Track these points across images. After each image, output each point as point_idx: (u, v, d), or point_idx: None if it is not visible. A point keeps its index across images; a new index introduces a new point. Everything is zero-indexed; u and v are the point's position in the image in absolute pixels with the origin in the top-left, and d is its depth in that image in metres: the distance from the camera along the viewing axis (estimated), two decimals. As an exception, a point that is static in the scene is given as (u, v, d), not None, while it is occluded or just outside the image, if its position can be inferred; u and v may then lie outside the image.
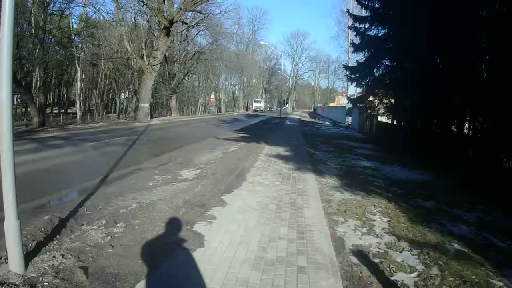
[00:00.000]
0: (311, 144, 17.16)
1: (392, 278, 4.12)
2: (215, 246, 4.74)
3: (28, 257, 4.12)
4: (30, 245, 4.53)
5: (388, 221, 6.00)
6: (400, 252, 4.81)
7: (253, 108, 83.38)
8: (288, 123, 38.34)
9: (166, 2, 34.47)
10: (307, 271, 4.09)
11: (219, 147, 15.04)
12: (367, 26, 16.71)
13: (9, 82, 3.63)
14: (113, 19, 39.95)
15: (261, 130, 26.55)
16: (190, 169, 10.09)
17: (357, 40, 17.68)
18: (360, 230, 5.54)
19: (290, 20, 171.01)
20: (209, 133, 22.31)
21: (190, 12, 37.90)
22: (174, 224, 5.45)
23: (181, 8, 33.15)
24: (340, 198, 7.42)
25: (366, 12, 17.04)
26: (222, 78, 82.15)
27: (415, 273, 4.24)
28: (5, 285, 3.60)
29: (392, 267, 4.35)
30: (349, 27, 21.21)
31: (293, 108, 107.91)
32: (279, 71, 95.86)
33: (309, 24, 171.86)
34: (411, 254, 4.75)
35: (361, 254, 4.70)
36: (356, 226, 5.73)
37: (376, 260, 4.54)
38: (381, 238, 5.25)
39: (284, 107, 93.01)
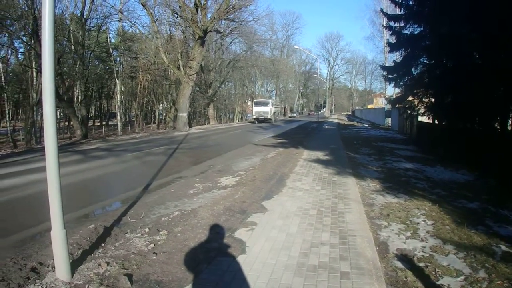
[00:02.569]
0: (350, 147, 16.94)
1: (438, 283, 4.00)
2: (257, 252, 4.72)
3: (74, 265, 4.23)
4: (76, 253, 4.66)
5: (432, 224, 5.85)
6: (446, 255, 4.67)
7: (254, 116, 52.16)
8: (326, 127, 38.03)
9: (199, 12, 34.90)
10: (351, 277, 4.01)
11: (257, 153, 15.05)
12: (402, 24, 16.47)
13: (52, 97, 3.76)
14: (149, 32, 41.07)
15: (299, 135, 26.42)
16: (230, 176, 10.13)
17: (392, 40, 17.42)
18: (404, 234, 5.42)
19: (323, 23, 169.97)
20: (247, 140, 22.41)
21: (224, 21, 38.23)
22: (215, 231, 5.47)
23: (214, 18, 33.48)
24: (383, 202, 7.28)
25: (400, 10, 16.80)
26: (258, 85, 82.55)
27: (462, 277, 4.11)
28: (53, 292, 3.69)
29: (437, 271, 4.22)
30: (384, 27, 20.96)
31: (330, 112, 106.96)
32: (315, 75, 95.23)
33: (343, 25, 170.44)
34: (457, 257, 4.61)
35: (405, 259, 4.59)
36: (399, 229, 5.61)
37: (421, 264, 4.43)
38: (426, 242, 5.12)
39: (321, 111, 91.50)
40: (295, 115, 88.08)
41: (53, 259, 4.12)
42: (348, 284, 3.86)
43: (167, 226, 5.77)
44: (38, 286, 3.86)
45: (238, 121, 66.27)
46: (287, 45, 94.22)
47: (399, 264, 4.42)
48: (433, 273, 4.20)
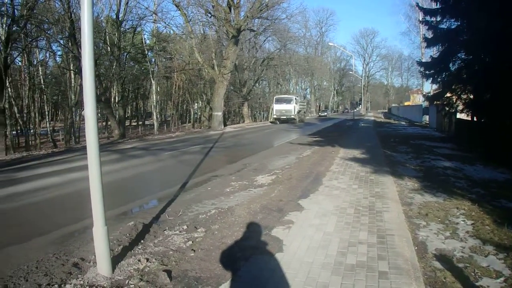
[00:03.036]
0: (387, 145, 16.70)
1: (477, 284, 3.91)
2: (294, 250, 4.72)
3: (115, 261, 4.36)
4: (116, 249, 4.81)
5: (472, 224, 5.72)
6: (485, 256, 4.56)
7: (274, 115, 45.76)
8: (362, 124, 37.60)
9: (232, 11, 35.11)
10: (389, 277, 3.97)
11: (293, 152, 15.04)
12: (438, 19, 16.15)
13: (93, 99, 3.89)
14: (183, 32, 41.61)
15: (335, 133, 26.26)
16: (266, 175, 10.18)
17: (429, 35, 17.11)
18: (443, 234, 5.32)
19: (357, 19, 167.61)
20: (282, 138, 22.42)
21: (257, 19, 38.35)
22: (252, 229, 5.51)
23: (247, 16, 33.66)
24: (421, 201, 7.15)
25: (436, 5, 16.42)
26: (293, 83, 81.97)
27: (502, 278, 4.00)
28: (94, 287, 3.84)
29: (477, 272, 4.13)
30: (419, 21, 20.68)
31: (366, 109, 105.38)
32: (350, 72, 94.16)
33: (377, 21, 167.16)
34: (497, 258, 4.49)
35: (444, 259, 4.51)
36: (438, 229, 5.50)
37: (460, 265, 4.34)
38: (465, 242, 5.01)
39: (357, 109, 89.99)
40: (326, 113, 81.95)
41: (94, 255, 4.28)
42: (386, 284, 3.82)
43: (204, 224, 5.86)
44: (80, 280, 4.00)
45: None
46: (321, 42, 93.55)
47: (437, 265, 4.35)
48: (472, 274, 4.11)
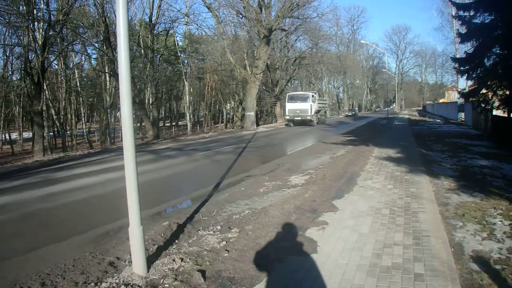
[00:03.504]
0: (422, 144, 16.38)
1: (515, 286, 3.83)
2: (328, 252, 4.70)
3: (150, 260, 4.45)
4: (151, 249, 4.91)
5: (509, 224, 5.56)
6: (524, 258, 4.46)
7: (288, 116, 37.55)
8: (397, 123, 36.97)
9: (263, 11, 35.17)
10: (425, 279, 3.91)
11: (326, 151, 14.93)
12: (472, 13, 15.79)
13: (129, 100, 4.01)
14: (214, 33, 42.02)
15: (369, 132, 25.94)
16: (299, 175, 10.13)
17: (463, 30, 16.80)
18: (480, 235, 5.20)
19: (389, 15, 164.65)
20: (315, 137, 22.32)
21: (288, 19, 38.21)
22: (286, 230, 5.51)
23: (278, 16, 33.58)
24: (457, 201, 7.00)
25: (469, -1, 16.10)
26: (325, 81, 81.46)
27: (541, 281, 3.90)
28: (129, 286, 3.93)
29: (515, 274, 4.04)
30: (453, 17, 20.27)
31: (400, 107, 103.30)
32: (383, 70, 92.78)
33: (410, 17, 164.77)
34: (536, 260, 4.38)
35: (481, 261, 4.41)
36: (475, 230, 5.38)
37: (498, 267, 4.24)
38: (503, 243, 4.89)
39: (391, 107, 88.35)
40: (354, 112, 73.28)
41: (129, 254, 4.40)
42: (422, 286, 3.77)
43: (238, 224, 5.90)
44: (115, 279, 4.10)
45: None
46: (353, 40, 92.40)
47: (474, 266, 4.26)
48: (510, 276, 4.01)
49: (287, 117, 37.05)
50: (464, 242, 4.97)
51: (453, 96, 60.73)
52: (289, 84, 57.11)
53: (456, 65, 17.89)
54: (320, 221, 5.90)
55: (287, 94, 39.56)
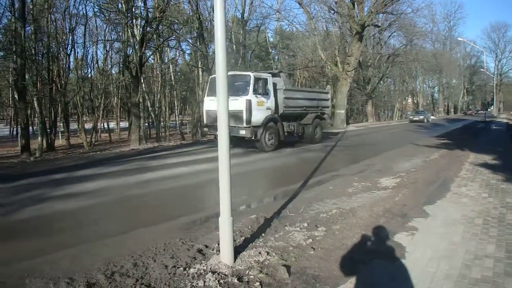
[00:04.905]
0: (522, 151, 15.19)
1: None
2: (416, 258, 4.51)
3: (237, 251, 4.52)
4: (238, 240, 4.99)
5: None
6: None
7: (206, 121, 16.58)
8: (494, 127, 34.61)
9: (356, 7, 34.45)
10: (514, 295, 3.63)
11: (419, 154, 14.29)
12: None
13: (225, 94, 4.16)
14: (305, 29, 41.63)
15: (464, 135, 24.50)
16: (390, 177, 9.82)
17: None
18: None
19: (487, 11, 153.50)
20: (407, 139, 21.47)
21: (381, 14, 37.08)
22: (374, 233, 5.37)
23: (371, 11, 32.63)
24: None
25: None
26: (419, 81, 78.23)
27: None
28: (216, 273, 4.01)
29: None
30: None
31: (498, 110, 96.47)
32: (481, 69, 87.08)
33: (510, 13, 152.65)
34: None
35: None
36: None
37: None
38: None
39: (489, 109, 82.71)
40: (422, 116, 49.04)
41: (218, 243, 4.55)
42: (510, 303, 3.51)
43: (325, 223, 5.82)
44: (203, 266, 4.21)
45: (398, 119, 63.78)
46: (450, 37, 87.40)
47: None
48: None
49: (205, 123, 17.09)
50: None
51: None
52: (381, 82, 55.57)
53: None
54: (410, 227, 5.66)
55: (210, 77, 17.84)
